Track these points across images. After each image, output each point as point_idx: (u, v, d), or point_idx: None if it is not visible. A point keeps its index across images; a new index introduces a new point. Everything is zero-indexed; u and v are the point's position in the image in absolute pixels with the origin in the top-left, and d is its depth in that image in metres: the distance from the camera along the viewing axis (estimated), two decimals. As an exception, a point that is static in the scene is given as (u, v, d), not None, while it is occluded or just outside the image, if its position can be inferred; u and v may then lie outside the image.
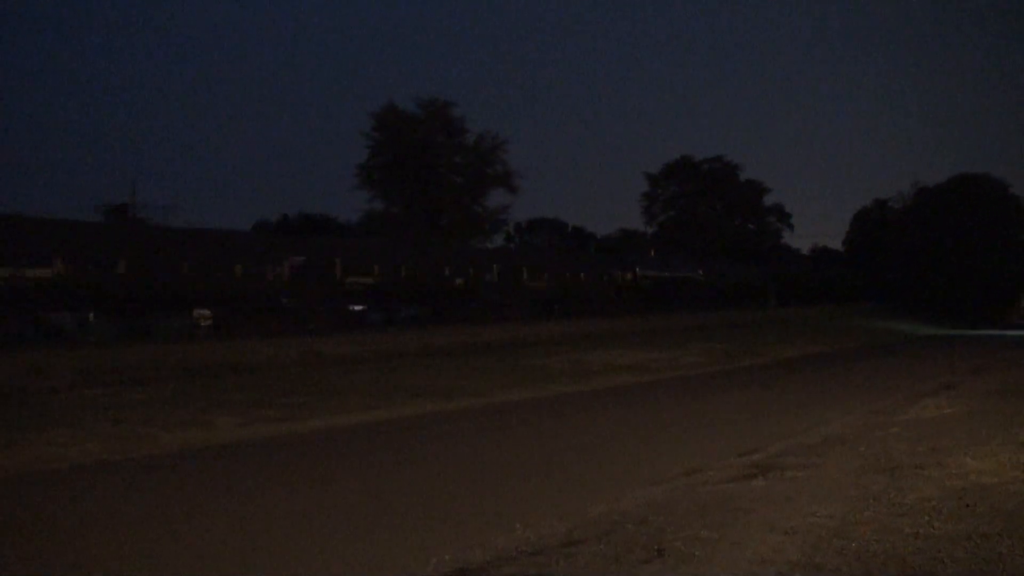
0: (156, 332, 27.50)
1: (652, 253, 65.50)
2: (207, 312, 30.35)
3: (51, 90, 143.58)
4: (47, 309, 26.18)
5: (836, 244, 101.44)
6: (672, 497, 9.05)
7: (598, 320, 41.41)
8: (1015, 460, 9.93)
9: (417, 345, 28.48)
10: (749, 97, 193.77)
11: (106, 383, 18.71)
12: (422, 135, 52.62)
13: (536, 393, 20.85)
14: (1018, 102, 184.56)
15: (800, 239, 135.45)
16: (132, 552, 7.54)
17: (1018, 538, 6.84)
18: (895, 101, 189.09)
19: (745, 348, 35.33)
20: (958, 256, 77.25)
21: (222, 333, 29.07)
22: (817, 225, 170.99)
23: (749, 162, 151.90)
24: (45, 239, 27.09)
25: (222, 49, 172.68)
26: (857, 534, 7.17)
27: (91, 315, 27.20)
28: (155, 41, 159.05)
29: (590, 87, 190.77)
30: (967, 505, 8.00)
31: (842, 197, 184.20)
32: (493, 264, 44.95)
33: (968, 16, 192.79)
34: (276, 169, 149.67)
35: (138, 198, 55.07)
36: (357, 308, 36.11)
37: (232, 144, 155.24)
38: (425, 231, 51.50)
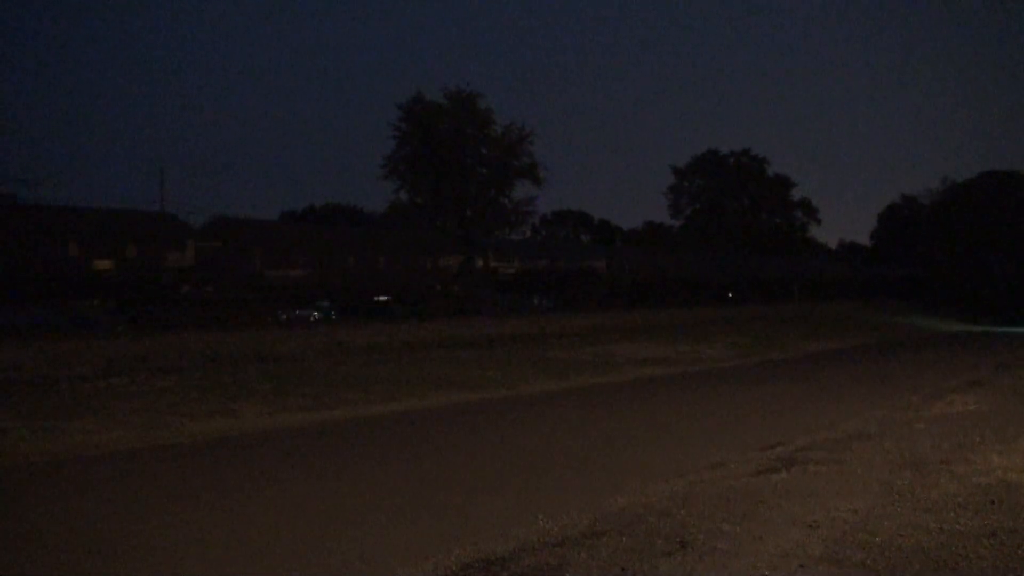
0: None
1: (530, 234, 55.82)
2: None
3: (73, 79, 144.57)
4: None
5: (864, 239, 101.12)
6: (695, 490, 9.04)
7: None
8: (1042, 457, 9.88)
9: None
10: (777, 91, 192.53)
11: (132, 372, 18.88)
12: (449, 126, 52.61)
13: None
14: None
15: (827, 233, 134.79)
16: (156, 538, 7.62)
17: (1044, 535, 6.81)
18: (924, 97, 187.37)
19: (768, 343, 35.20)
20: (986, 252, 76.71)
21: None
22: (845, 220, 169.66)
23: (777, 157, 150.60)
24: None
25: (248, 40, 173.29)
26: (881, 529, 7.15)
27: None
28: (182, 31, 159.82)
29: (617, 79, 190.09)
30: (992, 501, 7.96)
31: (870, 192, 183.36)
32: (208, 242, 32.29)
33: (998, 10, 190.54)
34: (305, 160, 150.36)
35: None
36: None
37: (260, 134, 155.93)
38: (451, 222, 51.53)
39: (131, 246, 29.55)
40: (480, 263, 43.87)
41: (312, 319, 36.59)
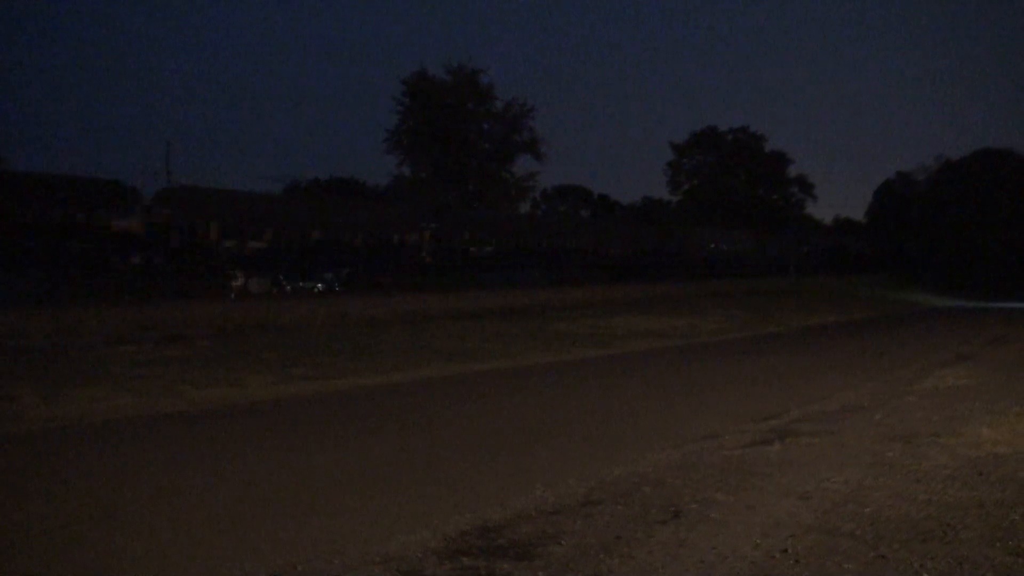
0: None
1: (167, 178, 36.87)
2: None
3: (80, 57, 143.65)
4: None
5: (858, 215, 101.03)
6: (689, 461, 9.18)
7: None
8: (1030, 431, 10.03)
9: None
10: (774, 67, 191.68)
11: (139, 340, 18.99)
12: (451, 101, 52.55)
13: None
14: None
15: (823, 210, 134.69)
16: (160, 503, 7.74)
17: (1030, 506, 6.96)
18: (920, 73, 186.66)
19: (764, 317, 35.32)
20: (980, 229, 76.91)
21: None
22: (840, 197, 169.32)
23: (773, 132, 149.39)
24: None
25: (251, 13, 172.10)
26: (871, 500, 7.30)
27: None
28: (181, 6, 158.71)
29: (617, 54, 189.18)
30: (981, 473, 8.11)
31: (866, 169, 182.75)
32: None
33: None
34: (308, 134, 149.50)
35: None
36: None
37: (263, 106, 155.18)
38: (453, 197, 51.47)
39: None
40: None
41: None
